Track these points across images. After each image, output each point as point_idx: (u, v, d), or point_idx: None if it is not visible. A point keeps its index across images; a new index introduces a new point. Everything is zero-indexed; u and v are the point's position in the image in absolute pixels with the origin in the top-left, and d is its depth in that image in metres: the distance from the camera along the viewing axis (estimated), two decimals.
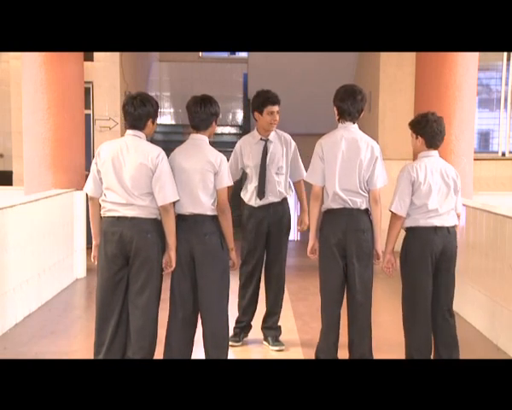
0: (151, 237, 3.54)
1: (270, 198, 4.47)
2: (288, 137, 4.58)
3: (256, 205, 4.49)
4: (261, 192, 4.47)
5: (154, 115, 3.65)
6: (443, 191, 3.74)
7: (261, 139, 4.51)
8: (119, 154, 3.54)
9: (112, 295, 3.58)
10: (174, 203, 3.60)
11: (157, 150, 3.57)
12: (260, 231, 4.49)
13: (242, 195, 4.61)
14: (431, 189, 3.71)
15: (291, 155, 4.55)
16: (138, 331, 3.57)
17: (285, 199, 4.57)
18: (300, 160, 4.63)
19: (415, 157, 3.98)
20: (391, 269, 3.86)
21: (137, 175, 3.51)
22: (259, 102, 4.45)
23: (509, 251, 4.52)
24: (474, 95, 6.26)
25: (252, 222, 4.52)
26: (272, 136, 4.51)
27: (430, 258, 3.71)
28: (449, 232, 3.76)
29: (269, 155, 4.47)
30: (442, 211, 3.73)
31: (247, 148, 4.53)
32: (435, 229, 3.71)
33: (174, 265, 3.61)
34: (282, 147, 4.51)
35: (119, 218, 3.52)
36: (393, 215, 3.76)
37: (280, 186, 4.49)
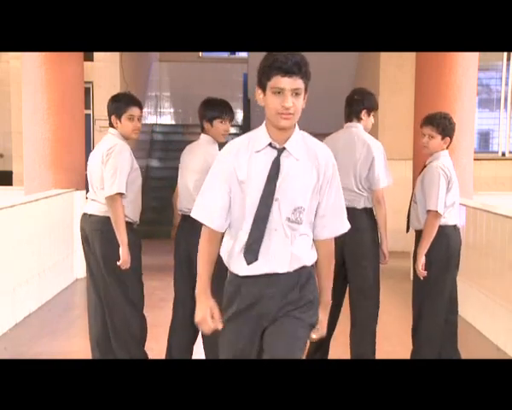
0: (105, 235, 3.51)
1: (271, 265, 2.31)
2: (324, 151, 2.38)
3: (242, 274, 2.38)
4: (252, 251, 2.30)
5: (117, 113, 3.70)
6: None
7: (271, 145, 2.28)
8: (93, 151, 3.70)
9: (92, 292, 3.66)
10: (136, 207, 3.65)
11: (109, 144, 3.59)
12: (249, 331, 2.56)
13: (222, 252, 2.51)
14: (457, 186, 3.70)
15: (326, 187, 2.35)
16: (112, 330, 3.61)
17: (304, 268, 2.36)
18: (342, 195, 2.48)
19: (422, 157, 3.94)
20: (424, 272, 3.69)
21: (95, 171, 3.60)
22: (262, 70, 2.36)
23: (509, 251, 4.52)
24: (474, 95, 6.26)
25: (234, 309, 2.46)
26: (292, 143, 2.29)
27: (456, 255, 3.69)
28: (458, 229, 3.78)
29: (280, 178, 2.26)
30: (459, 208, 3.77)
31: (243, 160, 2.29)
32: (454, 226, 3.71)
33: (126, 262, 3.49)
34: (310, 166, 2.31)
35: (84, 214, 3.66)
36: (434, 216, 3.58)
37: (293, 244, 2.31)
